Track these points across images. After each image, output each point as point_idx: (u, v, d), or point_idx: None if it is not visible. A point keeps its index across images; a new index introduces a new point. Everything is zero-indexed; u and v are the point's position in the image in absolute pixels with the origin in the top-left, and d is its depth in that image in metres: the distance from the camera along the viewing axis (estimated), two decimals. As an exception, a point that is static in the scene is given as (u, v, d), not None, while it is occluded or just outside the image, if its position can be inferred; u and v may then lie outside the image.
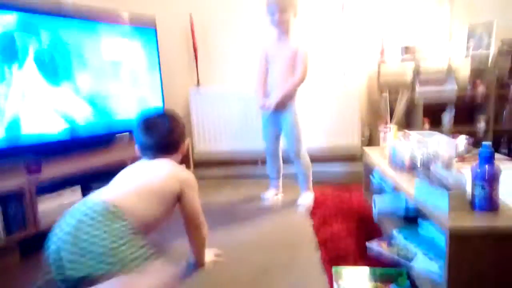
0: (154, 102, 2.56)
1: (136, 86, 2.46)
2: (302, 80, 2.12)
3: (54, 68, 1.97)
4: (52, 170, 1.89)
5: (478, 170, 1.11)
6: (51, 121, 1.98)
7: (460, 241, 1.04)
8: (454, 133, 2.11)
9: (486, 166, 1.10)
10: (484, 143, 1.13)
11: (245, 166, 2.95)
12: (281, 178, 2.43)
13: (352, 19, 2.72)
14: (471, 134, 2.12)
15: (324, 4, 2.72)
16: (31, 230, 1.73)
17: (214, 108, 2.78)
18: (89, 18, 2.14)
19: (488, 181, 1.09)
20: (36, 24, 1.89)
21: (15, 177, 1.76)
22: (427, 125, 2.51)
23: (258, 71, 2.23)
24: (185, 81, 2.91)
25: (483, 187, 1.10)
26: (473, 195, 1.13)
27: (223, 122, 2.79)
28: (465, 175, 1.18)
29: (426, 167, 1.32)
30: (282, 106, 2.13)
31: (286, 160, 2.36)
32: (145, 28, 2.50)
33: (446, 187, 1.16)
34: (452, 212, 1.12)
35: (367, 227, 1.82)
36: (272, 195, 2.38)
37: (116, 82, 2.31)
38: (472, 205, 1.14)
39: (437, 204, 1.17)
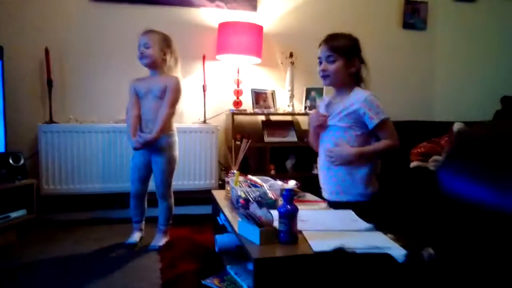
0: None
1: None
2: (171, 108, 2.15)
3: None
4: None
5: (282, 210, 1.35)
6: None
7: (264, 270, 1.22)
8: (295, 178, 2.44)
9: (288, 206, 1.35)
10: (287, 187, 1.38)
11: (100, 210, 2.82)
12: (144, 221, 2.40)
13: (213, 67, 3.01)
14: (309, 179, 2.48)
15: (186, 52, 2.92)
16: None
17: (67, 146, 2.64)
18: None
19: (288, 218, 1.33)
20: None
21: None
22: (273, 171, 2.86)
23: (128, 108, 2.24)
24: (34, 118, 2.72)
25: (285, 224, 1.33)
26: (278, 230, 1.35)
27: (77, 161, 2.66)
28: (273, 213, 1.41)
29: (246, 207, 1.51)
30: (156, 144, 2.15)
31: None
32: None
33: (259, 224, 1.36)
34: (262, 245, 1.31)
35: (212, 265, 1.93)
36: (138, 239, 2.33)
37: None
38: (278, 238, 1.35)
39: (252, 239, 1.36)
